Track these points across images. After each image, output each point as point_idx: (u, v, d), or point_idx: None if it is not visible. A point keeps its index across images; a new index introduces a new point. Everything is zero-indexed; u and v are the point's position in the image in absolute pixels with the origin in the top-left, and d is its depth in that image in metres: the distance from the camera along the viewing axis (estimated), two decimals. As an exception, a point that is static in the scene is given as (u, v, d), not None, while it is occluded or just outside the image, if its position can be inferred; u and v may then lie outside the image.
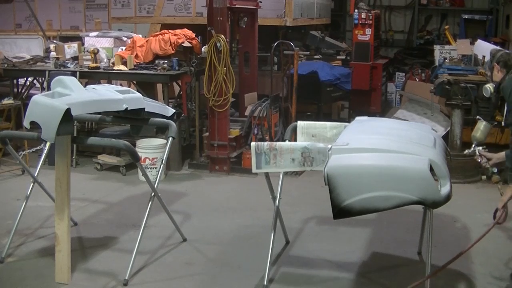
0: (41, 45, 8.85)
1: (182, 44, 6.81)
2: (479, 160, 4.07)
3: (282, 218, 4.45)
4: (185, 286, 4.00)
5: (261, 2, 7.28)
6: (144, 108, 4.31)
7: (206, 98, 6.54)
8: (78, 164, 6.94)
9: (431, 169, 3.20)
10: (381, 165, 3.24)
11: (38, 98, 3.84)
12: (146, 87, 7.18)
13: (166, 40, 6.79)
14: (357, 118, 4.28)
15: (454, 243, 4.71)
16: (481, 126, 4.12)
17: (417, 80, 9.29)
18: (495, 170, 4.02)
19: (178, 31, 6.93)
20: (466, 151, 4.16)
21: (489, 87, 4.27)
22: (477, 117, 4.27)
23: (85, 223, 5.09)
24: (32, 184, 4.52)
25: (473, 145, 4.09)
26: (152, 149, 6.33)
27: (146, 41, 7.09)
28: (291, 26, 8.68)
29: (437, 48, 7.65)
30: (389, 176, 3.19)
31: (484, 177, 6.47)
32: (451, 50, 7.42)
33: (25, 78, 7.84)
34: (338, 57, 9.55)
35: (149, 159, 6.26)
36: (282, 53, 8.16)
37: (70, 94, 3.94)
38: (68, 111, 3.63)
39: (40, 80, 7.56)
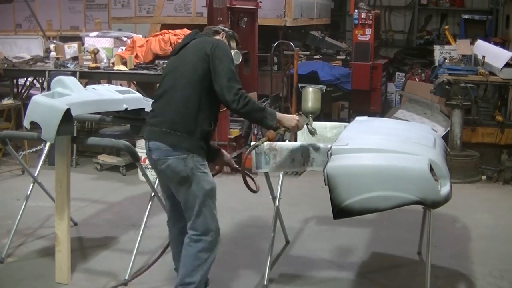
0: (41, 45, 8.84)
1: (182, 44, 6.80)
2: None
3: (282, 218, 4.45)
4: (185, 286, 4.00)
5: (261, 2, 7.28)
6: (144, 108, 4.31)
7: (206, 98, 6.52)
8: (78, 164, 6.94)
9: (431, 169, 3.20)
10: (381, 165, 3.24)
11: (38, 98, 3.84)
12: (146, 87, 7.17)
13: (166, 40, 6.79)
14: (357, 118, 4.28)
15: (454, 243, 4.71)
16: (310, 93, 3.62)
17: (417, 80, 9.29)
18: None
19: (178, 31, 6.92)
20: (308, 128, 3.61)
21: None
22: (300, 85, 3.59)
23: (85, 223, 5.09)
24: (32, 184, 4.52)
25: (309, 119, 3.63)
26: (152, 149, 6.31)
27: (146, 41, 7.08)
28: (291, 26, 8.68)
29: (437, 48, 7.64)
30: (389, 176, 3.19)
31: (484, 177, 6.51)
32: (451, 50, 7.41)
33: (25, 78, 7.84)
34: (338, 57, 9.54)
35: (149, 159, 6.25)
36: (282, 53, 8.16)
37: (70, 94, 3.94)
38: (68, 111, 3.63)
39: (40, 80, 7.56)
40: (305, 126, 3.63)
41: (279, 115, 3.41)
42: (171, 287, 3.97)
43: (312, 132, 3.65)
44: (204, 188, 3.34)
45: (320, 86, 3.56)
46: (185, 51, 3.38)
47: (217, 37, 3.49)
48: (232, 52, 3.42)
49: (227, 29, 3.61)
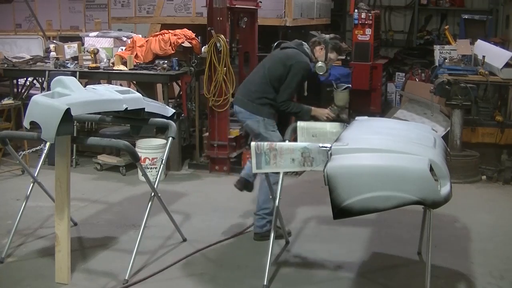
0: (41, 45, 8.84)
1: (182, 44, 6.80)
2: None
3: (282, 218, 4.45)
4: (185, 286, 4.00)
5: (261, 2, 7.27)
6: (144, 108, 4.31)
7: (206, 98, 6.54)
8: (78, 164, 6.94)
9: (431, 169, 3.20)
10: (381, 165, 3.23)
11: (38, 98, 3.83)
12: (146, 87, 7.18)
13: (166, 40, 6.79)
14: (357, 118, 4.29)
15: (454, 243, 4.71)
16: (338, 94, 4.64)
17: (417, 80, 9.28)
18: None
19: (178, 31, 6.92)
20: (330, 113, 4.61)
21: None
22: (335, 84, 4.74)
23: (85, 223, 5.09)
24: (32, 184, 4.52)
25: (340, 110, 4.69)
26: (152, 149, 6.33)
27: (146, 41, 7.08)
28: (291, 26, 8.67)
29: (437, 48, 7.64)
30: (389, 176, 3.19)
31: (484, 177, 6.51)
32: (451, 50, 7.41)
33: (25, 78, 7.83)
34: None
35: (149, 159, 6.26)
36: (282, 53, 8.14)
37: (70, 94, 3.93)
38: (68, 111, 3.63)
39: (40, 80, 7.55)
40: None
41: (314, 110, 4.62)
42: (171, 287, 3.99)
43: (344, 120, 4.50)
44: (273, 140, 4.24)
45: (345, 86, 4.72)
46: (282, 52, 4.69)
47: (317, 47, 4.63)
48: (318, 64, 4.64)
49: (329, 41, 4.63)
